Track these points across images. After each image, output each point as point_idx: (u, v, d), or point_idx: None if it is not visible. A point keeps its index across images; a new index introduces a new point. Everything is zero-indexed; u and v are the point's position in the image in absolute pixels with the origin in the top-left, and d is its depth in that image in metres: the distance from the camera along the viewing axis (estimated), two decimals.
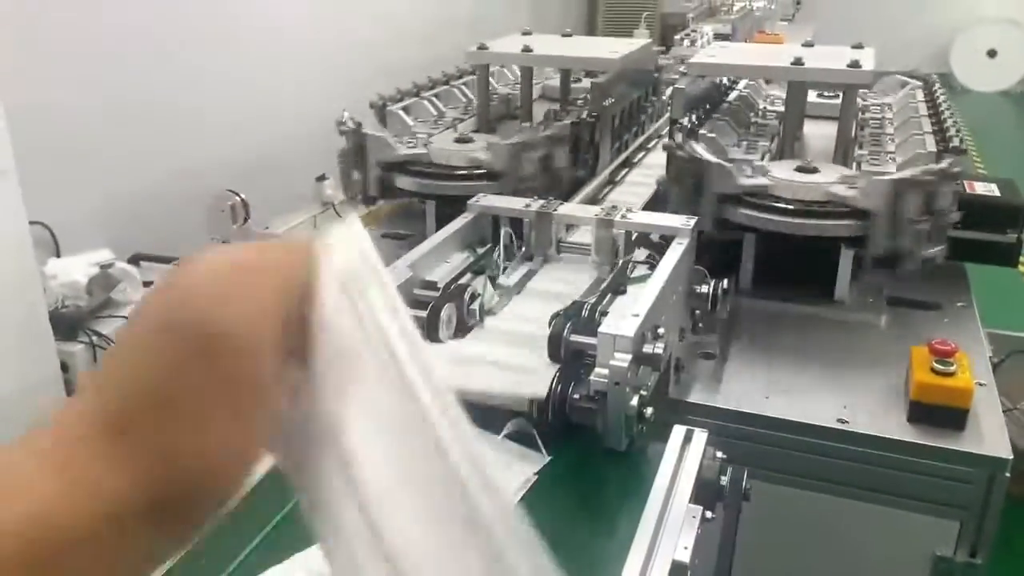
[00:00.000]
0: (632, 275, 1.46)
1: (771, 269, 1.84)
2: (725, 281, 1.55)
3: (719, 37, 4.54)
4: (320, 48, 4.17)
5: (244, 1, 3.65)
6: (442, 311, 1.28)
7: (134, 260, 2.90)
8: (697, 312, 1.57)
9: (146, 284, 2.93)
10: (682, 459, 1.18)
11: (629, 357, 1.13)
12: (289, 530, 1.05)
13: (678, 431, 1.23)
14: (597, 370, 1.15)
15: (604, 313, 1.30)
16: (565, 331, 1.22)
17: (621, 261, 1.49)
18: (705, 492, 1.14)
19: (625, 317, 1.18)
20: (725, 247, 1.81)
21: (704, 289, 1.53)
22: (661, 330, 1.25)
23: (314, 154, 4.11)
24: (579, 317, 1.26)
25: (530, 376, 1.19)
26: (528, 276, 1.53)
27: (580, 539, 1.06)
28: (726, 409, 1.44)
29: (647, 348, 1.18)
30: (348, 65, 4.32)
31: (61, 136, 2.83)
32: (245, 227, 3.14)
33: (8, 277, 2.12)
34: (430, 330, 1.27)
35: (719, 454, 1.20)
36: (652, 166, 2.22)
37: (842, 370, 1.58)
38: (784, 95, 2.36)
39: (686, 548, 1.02)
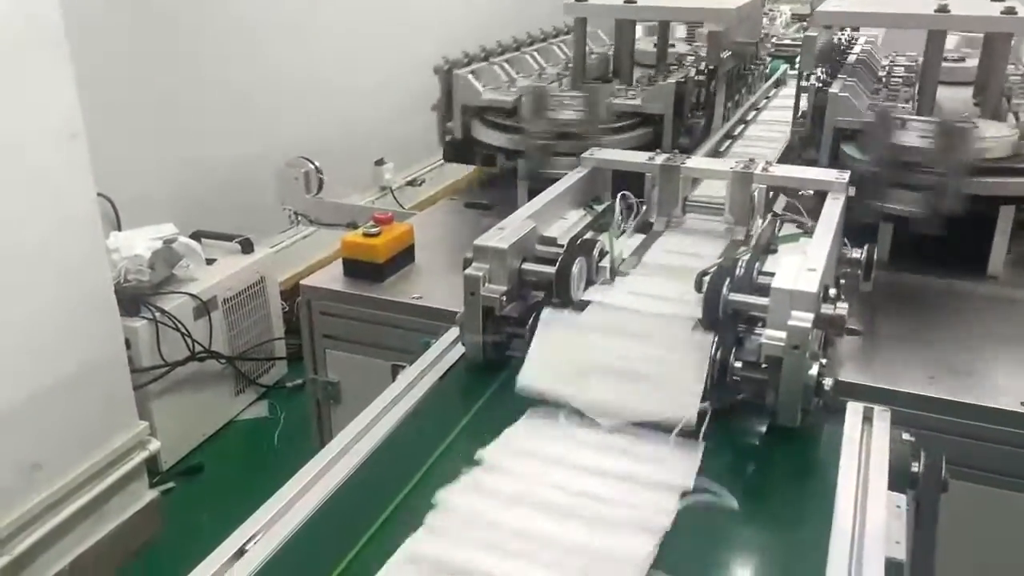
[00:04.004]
0: (780, 234, 1.28)
1: (911, 239, 1.64)
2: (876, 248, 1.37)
3: (796, 18, 4.33)
4: (388, 30, 4.05)
5: None
6: (573, 266, 1.11)
7: (195, 237, 2.78)
8: (841, 282, 1.38)
9: (209, 261, 2.83)
10: (866, 441, 1.00)
11: (811, 317, 0.95)
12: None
13: (854, 409, 1.05)
14: (769, 332, 0.97)
15: (762, 273, 1.12)
16: (724, 289, 1.04)
17: (769, 217, 1.30)
18: (896, 480, 0.96)
19: (799, 273, 1.00)
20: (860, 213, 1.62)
21: (856, 254, 1.34)
22: (833, 291, 1.07)
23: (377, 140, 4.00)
24: (734, 275, 1.08)
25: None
26: (652, 237, 1.36)
27: (762, 533, 0.88)
28: (889, 390, 1.25)
29: (826, 309, 1.00)
30: (415, 48, 4.17)
31: (127, 110, 2.73)
32: (318, 197, 3.00)
33: (77, 245, 1.99)
34: (559, 287, 1.10)
35: (907, 436, 1.02)
36: (767, 122, 2.04)
37: (1012, 349, 1.38)
38: (902, 57, 2.16)
39: (899, 543, 0.84)
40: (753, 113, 2.18)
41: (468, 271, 1.10)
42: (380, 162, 4.12)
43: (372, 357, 1.61)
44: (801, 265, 1.02)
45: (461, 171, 3.51)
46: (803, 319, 0.95)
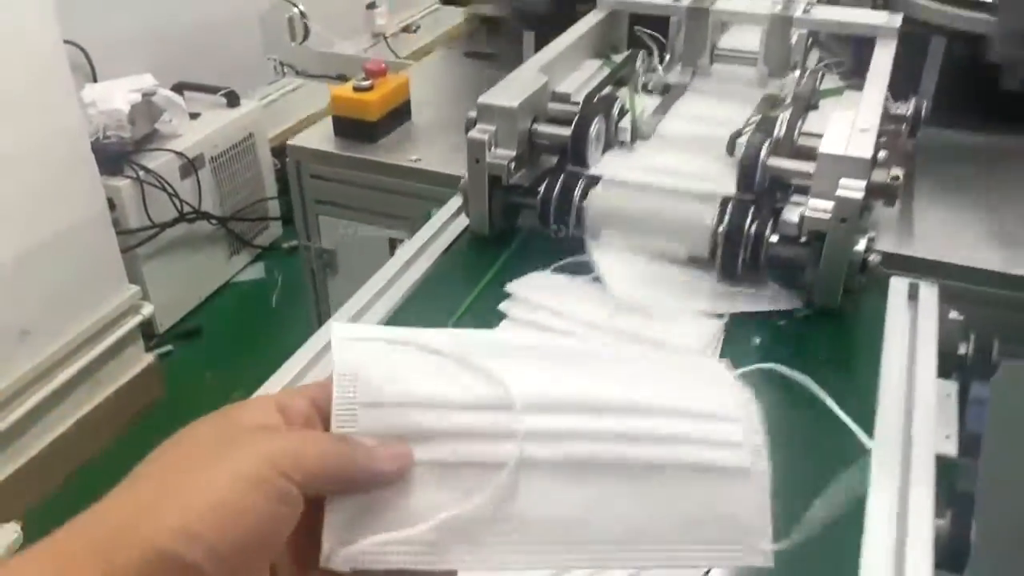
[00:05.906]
0: (821, 87, 1.14)
1: (955, 91, 1.49)
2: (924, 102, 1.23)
3: None
4: None
5: None
6: (592, 126, 0.98)
7: (176, 90, 2.60)
8: (882, 139, 1.25)
9: (192, 116, 2.66)
10: (913, 321, 0.91)
11: (863, 185, 0.84)
12: None
13: (898, 284, 0.96)
14: (814, 203, 0.86)
15: (802, 134, 0.99)
16: (762, 152, 0.92)
17: (810, 69, 1.16)
18: (943, 363, 0.88)
19: (850, 134, 0.88)
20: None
21: (902, 110, 1.20)
22: (883, 154, 0.95)
23: None
24: (772, 137, 0.96)
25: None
26: (678, 91, 1.22)
27: (797, 423, 0.81)
28: (934, 261, 1.15)
29: (878, 176, 0.88)
30: None
31: None
32: (304, 46, 2.78)
33: (41, 96, 1.84)
34: (576, 151, 0.98)
35: (955, 314, 0.93)
36: None
37: None
38: None
39: (949, 437, 0.76)
40: None
41: (472, 134, 0.97)
42: (372, 6, 3.83)
43: (368, 224, 1.51)
44: (852, 124, 0.89)
45: (458, 15, 3.27)
46: (854, 188, 0.84)
